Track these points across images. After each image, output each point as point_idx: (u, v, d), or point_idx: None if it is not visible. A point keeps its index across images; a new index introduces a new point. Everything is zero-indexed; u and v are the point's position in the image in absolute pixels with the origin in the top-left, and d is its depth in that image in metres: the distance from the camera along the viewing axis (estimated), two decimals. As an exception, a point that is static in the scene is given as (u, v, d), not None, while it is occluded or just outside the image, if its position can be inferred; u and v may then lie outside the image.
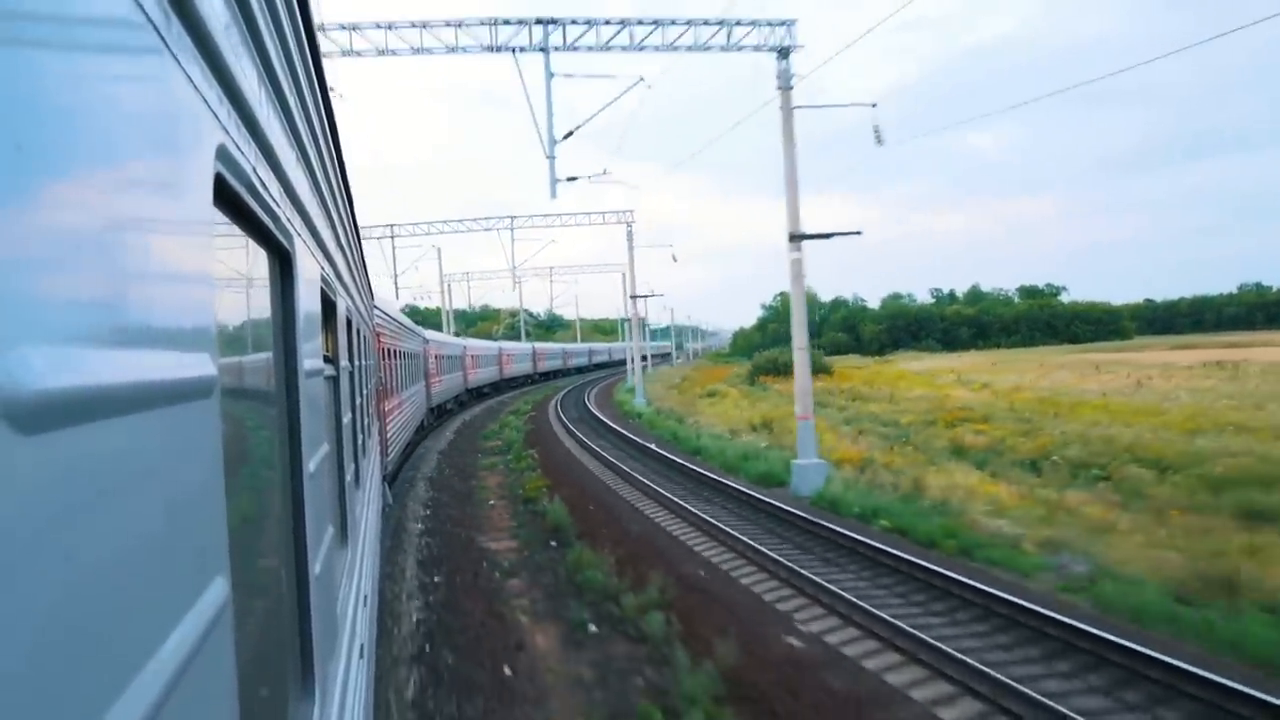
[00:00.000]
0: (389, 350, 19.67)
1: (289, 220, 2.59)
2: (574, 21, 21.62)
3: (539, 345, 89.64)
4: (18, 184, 0.72)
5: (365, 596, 5.63)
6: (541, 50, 21.52)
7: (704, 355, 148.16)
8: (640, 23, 21.66)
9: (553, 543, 15.84)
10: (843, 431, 30.51)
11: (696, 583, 13.25)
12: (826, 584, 12.69)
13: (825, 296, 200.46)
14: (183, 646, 1.05)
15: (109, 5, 0.97)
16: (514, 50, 21.49)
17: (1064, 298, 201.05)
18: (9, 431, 0.67)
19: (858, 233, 21.71)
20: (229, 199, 1.70)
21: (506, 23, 21.73)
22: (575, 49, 21.85)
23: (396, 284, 56.05)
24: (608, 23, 21.76)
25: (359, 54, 21.27)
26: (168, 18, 1.20)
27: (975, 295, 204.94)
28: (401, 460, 24.22)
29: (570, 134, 23.55)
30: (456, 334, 63.84)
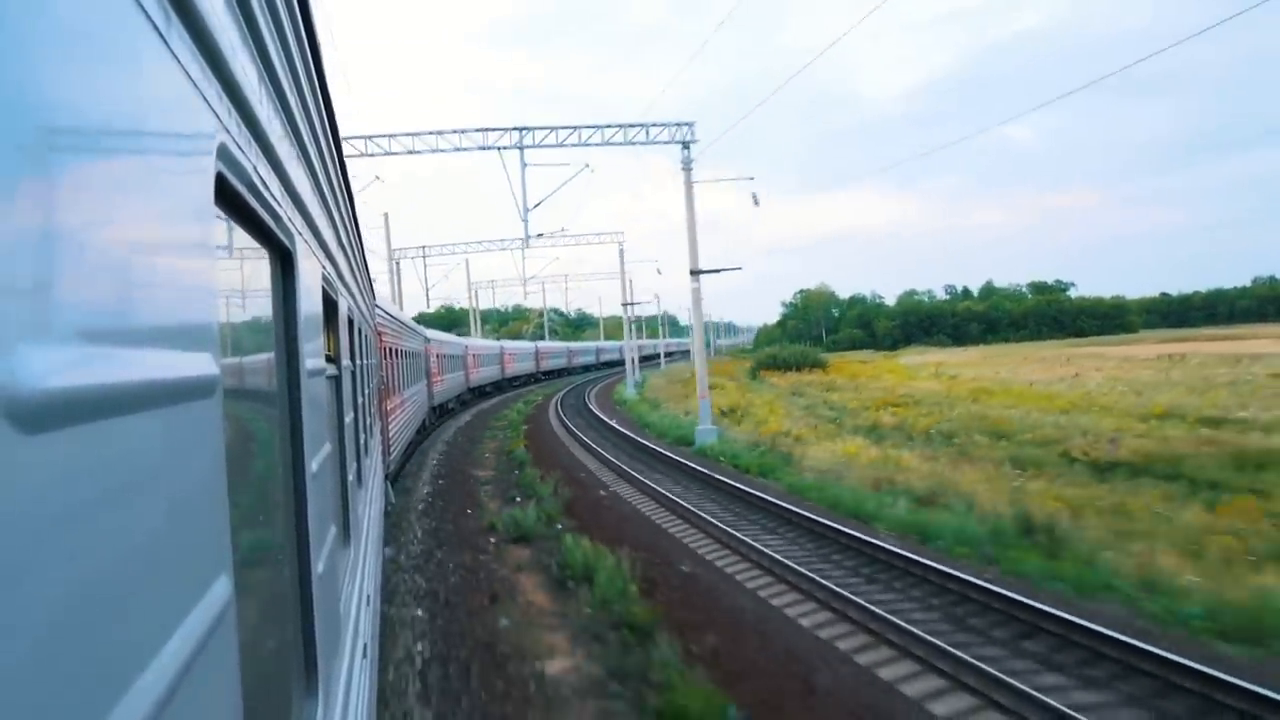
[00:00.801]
0: (391, 349, 19.69)
1: (290, 219, 2.58)
2: (540, 127, 32.73)
3: (542, 344, 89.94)
4: (19, 183, 0.72)
5: (368, 596, 5.64)
6: (518, 148, 32.56)
7: (728, 351, 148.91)
8: (587, 127, 32.57)
9: (515, 470, 25.10)
10: (789, 413, 37.15)
11: (592, 494, 21.44)
12: (667, 493, 20.77)
13: (844, 294, 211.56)
14: (186, 645, 1.05)
15: (109, 4, 0.97)
16: (499, 149, 32.51)
17: (1073, 293, 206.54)
18: (12, 430, 0.66)
19: (738, 268, 39.00)
20: (230, 198, 1.70)
21: (494, 129, 32.67)
22: (541, 146, 33.02)
23: (428, 295, 68.12)
24: (564, 128, 32.59)
25: (394, 153, 32.12)
26: (168, 17, 1.20)
27: (989, 290, 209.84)
28: (403, 460, 24.27)
29: (539, 204, 34.82)
30: (485, 335, 67.08)
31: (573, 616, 11.44)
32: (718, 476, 22.13)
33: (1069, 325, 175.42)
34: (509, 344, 74.84)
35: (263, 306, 2.30)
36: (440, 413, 40.16)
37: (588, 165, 36.29)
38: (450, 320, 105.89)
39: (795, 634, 11.29)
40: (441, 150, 32.42)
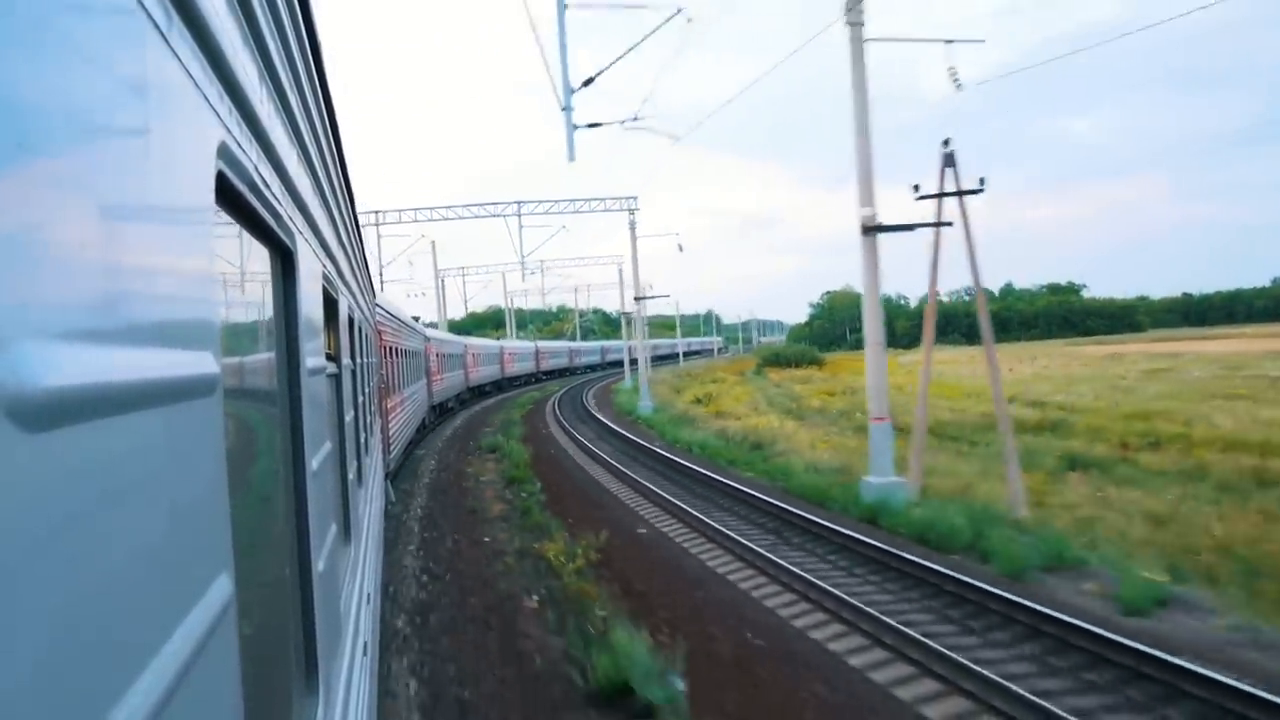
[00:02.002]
0: (391, 348, 19.69)
1: (290, 218, 2.58)
2: (532, 200, 24.96)
3: (542, 344, 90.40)
4: (20, 182, 0.72)
5: (368, 594, 5.64)
6: (517, 215, 23.65)
7: (756, 350, 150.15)
8: None
9: (500, 435, 32.20)
10: (750, 400, 45.86)
11: (545, 451, 28.86)
12: (599, 452, 28.03)
13: (906, 289, 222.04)
14: (186, 644, 1.05)
15: (110, 3, 0.97)
16: (504, 217, 24.73)
17: (1088, 294, 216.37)
18: (12, 429, 0.67)
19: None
20: (230, 197, 1.70)
21: (495, 204, 26.12)
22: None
23: (466, 304, 70.04)
24: (550, 200, 24.40)
25: (403, 221, 31.45)
26: (169, 15, 1.20)
27: (1006, 291, 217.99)
28: (403, 458, 24.30)
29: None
30: (527, 336, 67.70)
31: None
32: (634, 437, 31.58)
33: (1079, 325, 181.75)
34: (509, 344, 75.52)
35: (263, 305, 2.30)
36: (440, 411, 40.28)
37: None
38: (497, 320, 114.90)
39: (613, 502, 20.17)
40: (462, 218, 34.32)
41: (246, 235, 2.02)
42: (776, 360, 79.04)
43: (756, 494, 18.85)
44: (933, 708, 8.45)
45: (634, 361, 56.34)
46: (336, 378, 4.59)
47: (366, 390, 8.84)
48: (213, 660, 1.18)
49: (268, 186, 2.10)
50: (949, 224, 16.95)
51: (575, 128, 20.68)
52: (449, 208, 47.54)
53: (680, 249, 52.80)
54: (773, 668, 9.37)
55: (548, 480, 21.99)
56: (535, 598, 11.68)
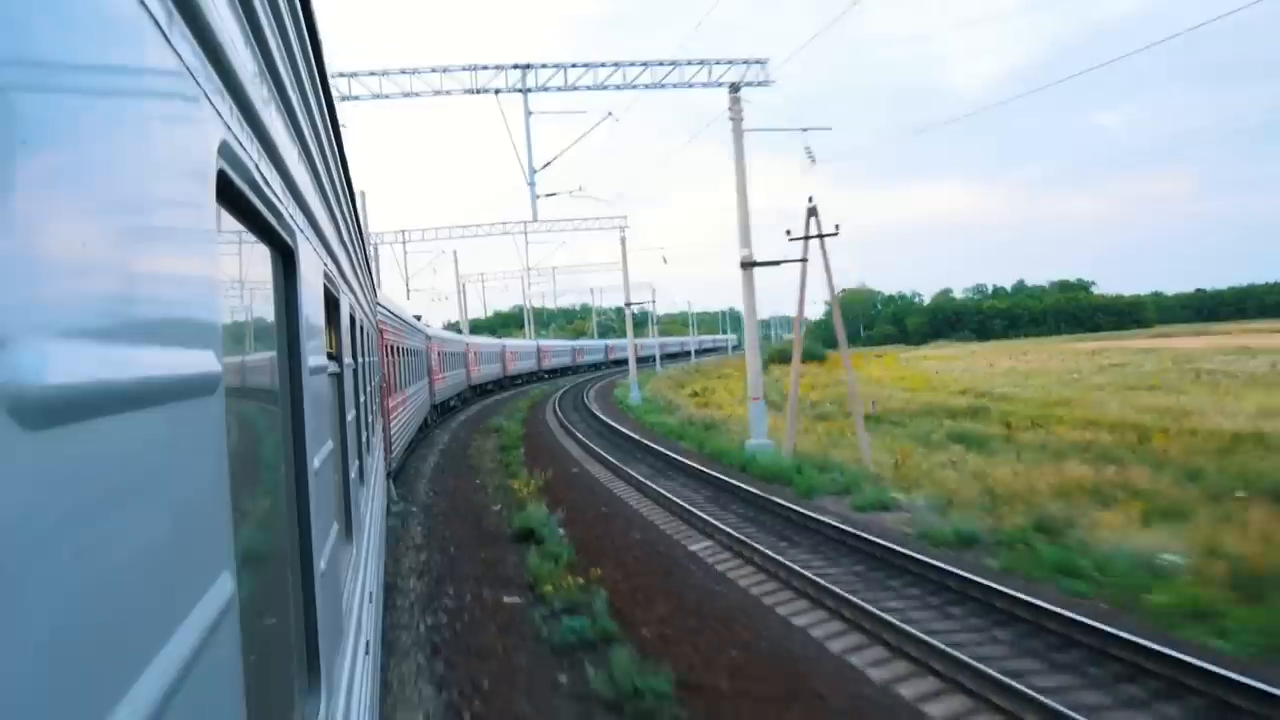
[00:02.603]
0: (392, 347, 19.70)
1: (291, 216, 2.58)
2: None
3: (544, 342, 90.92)
4: (20, 180, 0.72)
5: (370, 593, 5.64)
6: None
7: (767, 347, 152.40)
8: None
9: (504, 419, 38.89)
10: (733, 393, 48.81)
11: (536, 431, 35.46)
12: (577, 432, 33.41)
13: (889, 290, 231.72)
14: (188, 643, 1.05)
15: (112, 1, 0.97)
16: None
17: (1100, 290, 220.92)
18: (14, 428, 0.66)
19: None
20: (231, 195, 1.70)
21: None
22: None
23: (485, 306, 71.50)
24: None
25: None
26: (169, 13, 1.20)
27: (1019, 288, 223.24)
28: (405, 457, 24.33)
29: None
30: (552, 335, 70.84)
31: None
32: (612, 421, 36.87)
33: (1086, 321, 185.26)
34: (511, 342, 76.28)
35: (264, 304, 2.30)
36: (442, 410, 40.39)
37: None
38: (521, 320, 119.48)
39: (569, 459, 27.12)
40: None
41: (248, 234, 2.02)
42: (784, 357, 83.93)
43: (672, 454, 25.55)
44: (697, 545, 15.84)
45: (673, 357, 62.14)
46: (338, 376, 4.59)
47: (368, 389, 8.84)
48: (215, 659, 1.18)
49: (269, 185, 2.10)
50: (805, 260, 22.99)
51: (537, 197, 28.81)
52: (465, 227, 56.82)
53: (665, 261, 60.53)
54: (619, 524, 17.54)
55: (530, 448, 29.28)
56: (498, 506, 19.21)
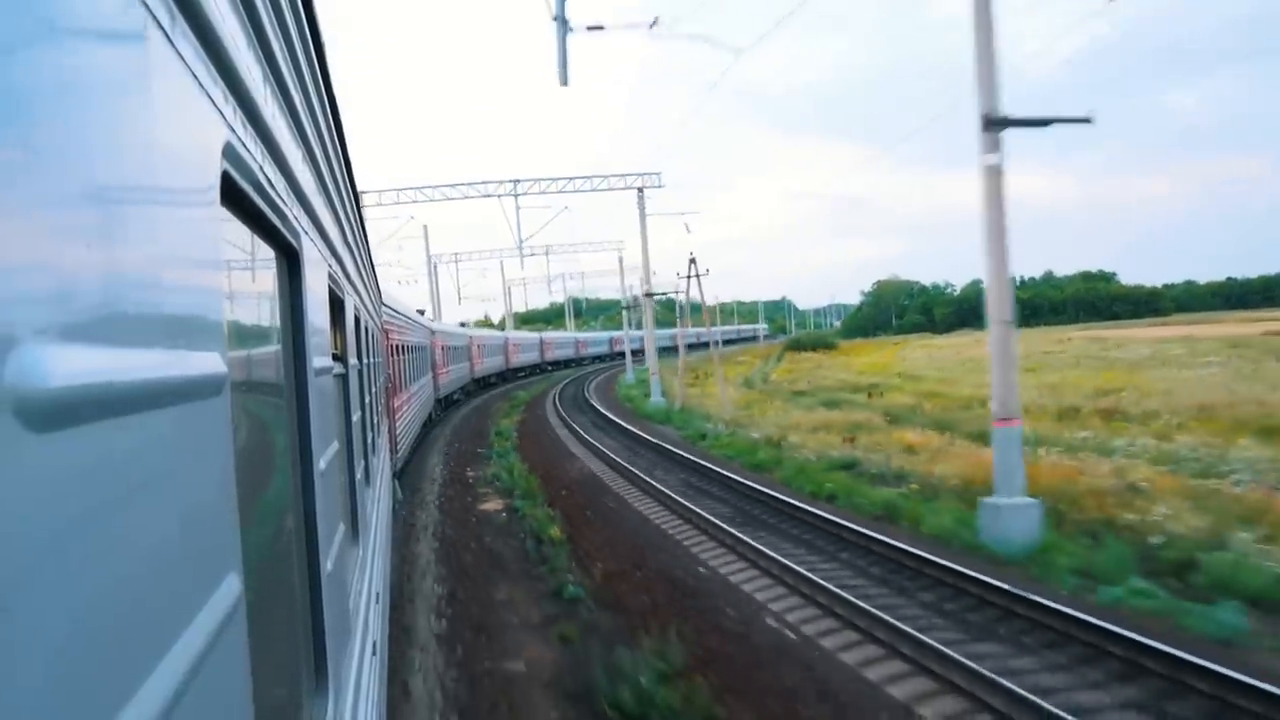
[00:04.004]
0: (397, 346, 19.74)
1: (296, 218, 2.58)
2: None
3: (547, 334, 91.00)
4: (26, 182, 0.72)
5: (377, 594, 5.65)
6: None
7: (789, 338, 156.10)
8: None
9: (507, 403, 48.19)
10: (736, 381, 54.13)
11: (534, 413, 41.48)
12: (563, 411, 41.10)
13: (928, 280, 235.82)
14: (196, 643, 1.05)
15: (114, 3, 0.97)
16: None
17: (1129, 279, 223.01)
18: (22, 429, 0.67)
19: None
20: (236, 197, 1.70)
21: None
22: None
23: (509, 302, 77.75)
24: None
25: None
26: (173, 16, 1.20)
27: (1047, 278, 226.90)
28: (410, 454, 24.39)
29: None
30: (592, 328, 72.28)
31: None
32: (594, 402, 45.11)
33: (1104, 311, 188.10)
34: (514, 335, 76.70)
35: (269, 305, 2.30)
36: (445, 404, 40.71)
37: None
38: (563, 313, 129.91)
39: (545, 423, 37.05)
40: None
41: (252, 236, 2.02)
42: (799, 346, 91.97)
43: (617, 419, 35.34)
44: (576, 448, 28.55)
45: (638, 352, 60.25)
46: (343, 377, 4.59)
47: (373, 389, 8.85)
48: (222, 660, 1.18)
49: (273, 186, 2.10)
50: (687, 289, 36.50)
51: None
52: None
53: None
54: (561, 461, 25.72)
55: (523, 419, 38.59)
56: (485, 448, 28.72)
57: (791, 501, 16.96)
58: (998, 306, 13.75)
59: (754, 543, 13.99)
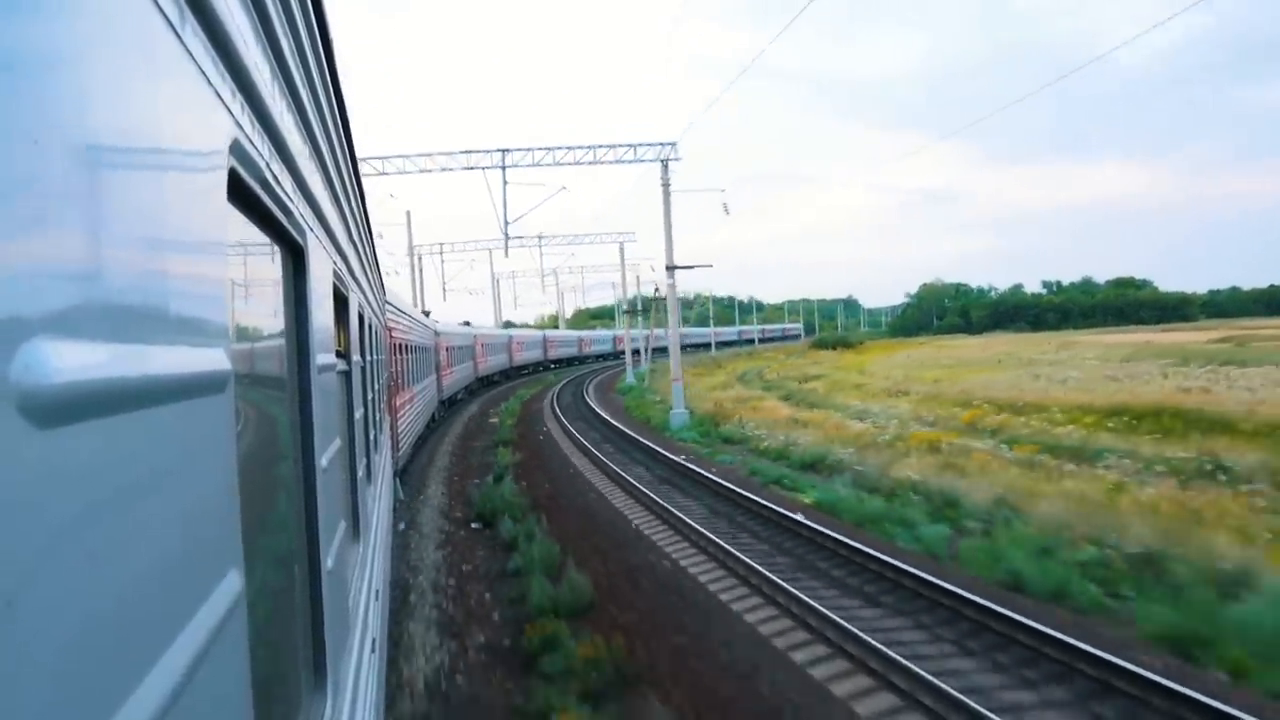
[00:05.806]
0: (400, 345, 19.75)
1: (302, 215, 2.58)
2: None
3: (550, 333, 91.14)
4: (34, 178, 0.72)
5: (377, 591, 5.65)
6: (500, 168, 36.22)
7: (815, 337, 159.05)
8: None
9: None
10: (729, 373, 61.87)
11: (532, 407, 44.37)
12: (559, 406, 42.76)
13: (975, 283, 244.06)
14: (196, 640, 1.05)
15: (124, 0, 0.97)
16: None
17: (1167, 286, 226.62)
18: (26, 425, 0.67)
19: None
20: (242, 194, 1.70)
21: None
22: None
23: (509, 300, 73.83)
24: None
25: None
26: (182, 13, 1.20)
27: (1086, 284, 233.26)
28: (412, 454, 24.38)
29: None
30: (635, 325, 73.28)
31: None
32: (591, 400, 45.53)
33: (1132, 316, 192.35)
34: (518, 333, 76.97)
35: (274, 302, 2.30)
36: (449, 404, 40.77)
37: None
38: (607, 312, 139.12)
39: (540, 417, 38.92)
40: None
41: (258, 233, 2.02)
42: (823, 344, 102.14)
43: (606, 415, 36.16)
44: (551, 423, 35.39)
45: (637, 352, 63.74)
46: (346, 375, 4.60)
47: (376, 387, 8.86)
48: (222, 656, 1.18)
49: (279, 183, 2.10)
50: (661, 299, 42.38)
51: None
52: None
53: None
54: (543, 440, 30.39)
55: (521, 412, 41.14)
56: (494, 419, 36.94)
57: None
58: (674, 336, 35.51)
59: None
